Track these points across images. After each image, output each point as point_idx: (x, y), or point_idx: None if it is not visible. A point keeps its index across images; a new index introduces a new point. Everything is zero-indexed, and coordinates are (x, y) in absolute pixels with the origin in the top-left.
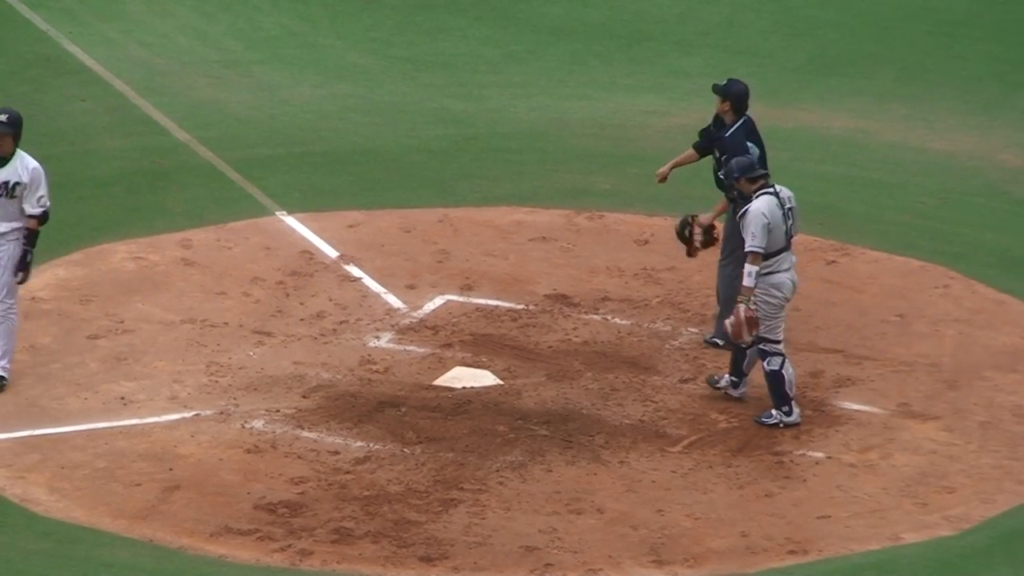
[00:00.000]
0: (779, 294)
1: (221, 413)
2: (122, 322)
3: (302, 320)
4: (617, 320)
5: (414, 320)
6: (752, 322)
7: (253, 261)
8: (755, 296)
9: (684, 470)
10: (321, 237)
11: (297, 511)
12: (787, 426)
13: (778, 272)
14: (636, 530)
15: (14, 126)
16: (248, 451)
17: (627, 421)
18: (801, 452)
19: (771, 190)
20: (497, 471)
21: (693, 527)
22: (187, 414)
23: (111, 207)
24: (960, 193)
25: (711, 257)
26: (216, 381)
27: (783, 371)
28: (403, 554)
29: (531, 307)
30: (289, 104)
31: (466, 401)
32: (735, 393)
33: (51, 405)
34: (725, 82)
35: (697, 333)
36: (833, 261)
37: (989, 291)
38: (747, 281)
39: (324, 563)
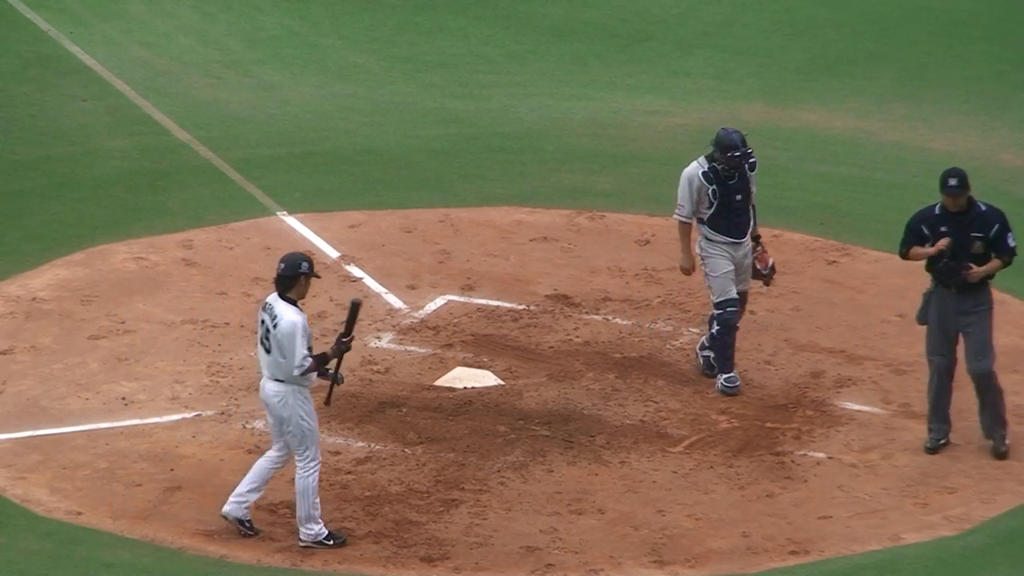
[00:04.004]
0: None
1: (222, 413)
2: (123, 322)
3: None
4: (618, 320)
5: (415, 320)
6: None
7: (254, 261)
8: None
9: (685, 470)
10: (322, 237)
11: None
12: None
13: None
14: (637, 530)
15: None
16: (249, 451)
17: (628, 421)
18: (802, 452)
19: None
20: (498, 471)
21: (694, 527)
22: (188, 414)
23: (112, 207)
24: None
25: None
26: (217, 381)
27: None
28: (404, 554)
29: (532, 307)
30: (290, 104)
31: (467, 401)
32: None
33: (52, 405)
34: (956, 179)
35: (698, 333)
36: (834, 261)
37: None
38: None
39: (325, 563)
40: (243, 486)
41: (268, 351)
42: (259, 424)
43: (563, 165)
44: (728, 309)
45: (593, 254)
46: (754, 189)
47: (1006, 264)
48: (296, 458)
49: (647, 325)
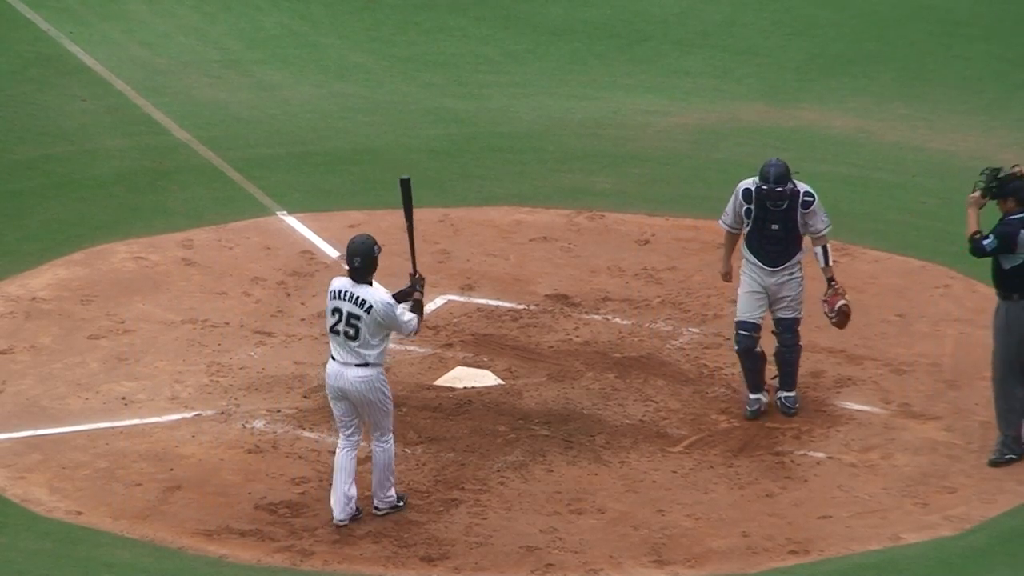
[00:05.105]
0: None
1: (222, 413)
2: (123, 322)
3: (303, 320)
4: (618, 320)
5: None
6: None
7: (254, 261)
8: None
9: (685, 470)
10: (321, 237)
11: (298, 511)
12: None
13: None
14: (637, 530)
15: None
16: (249, 451)
17: (628, 421)
18: (802, 452)
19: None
20: (498, 471)
21: (694, 527)
22: (188, 414)
23: (112, 207)
24: (961, 193)
25: (712, 256)
26: (217, 381)
27: None
28: (404, 554)
29: (532, 307)
30: (289, 104)
31: (467, 401)
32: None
33: (52, 405)
34: (996, 184)
35: (698, 333)
36: (834, 261)
37: (989, 291)
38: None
39: (325, 563)
40: (342, 488)
41: (353, 337)
42: (259, 424)
43: (563, 165)
44: (740, 332)
45: (593, 254)
46: (819, 226)
47: (968, 241)
48: (377, 435)
49: (647, 325)
